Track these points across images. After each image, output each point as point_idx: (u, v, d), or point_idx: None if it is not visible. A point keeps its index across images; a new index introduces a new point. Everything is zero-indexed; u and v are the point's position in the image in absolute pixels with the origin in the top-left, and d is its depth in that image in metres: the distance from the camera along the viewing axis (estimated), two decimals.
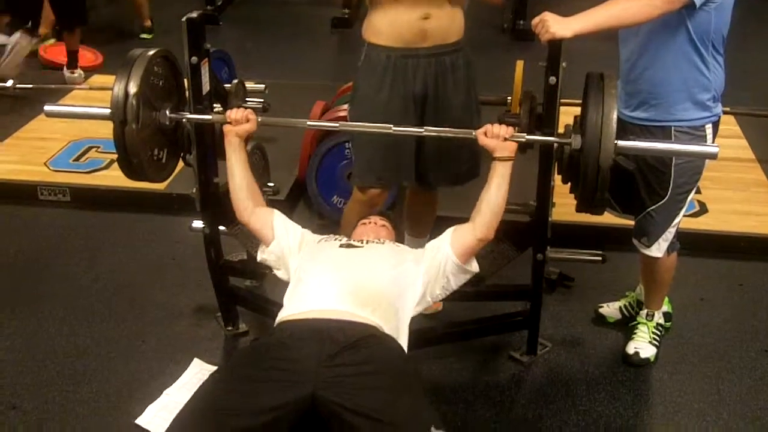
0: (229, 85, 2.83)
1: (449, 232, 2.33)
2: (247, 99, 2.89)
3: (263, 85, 3.21)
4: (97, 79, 5.13)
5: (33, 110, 4.55)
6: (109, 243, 3.44)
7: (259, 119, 2.40)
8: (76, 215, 3.67)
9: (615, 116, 2.13)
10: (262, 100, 3.35)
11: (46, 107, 2.44)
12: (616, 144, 2.14)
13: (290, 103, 4.06)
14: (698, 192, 3.56)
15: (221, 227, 2.67)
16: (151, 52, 2.32)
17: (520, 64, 3.94)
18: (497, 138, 2.24)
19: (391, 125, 2.39)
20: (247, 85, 3.20)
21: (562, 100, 2.32)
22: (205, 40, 2.45)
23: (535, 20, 2.25)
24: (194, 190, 2.60)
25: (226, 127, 2.38)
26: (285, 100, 3.95)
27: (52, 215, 3.67)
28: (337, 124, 2.52)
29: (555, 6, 2.38)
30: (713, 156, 2.21)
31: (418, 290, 2.27)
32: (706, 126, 2.45)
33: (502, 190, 2.26)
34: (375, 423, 1.81)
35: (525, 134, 2.28)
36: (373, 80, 2.60)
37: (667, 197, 2.51)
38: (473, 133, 2.29)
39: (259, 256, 2.42)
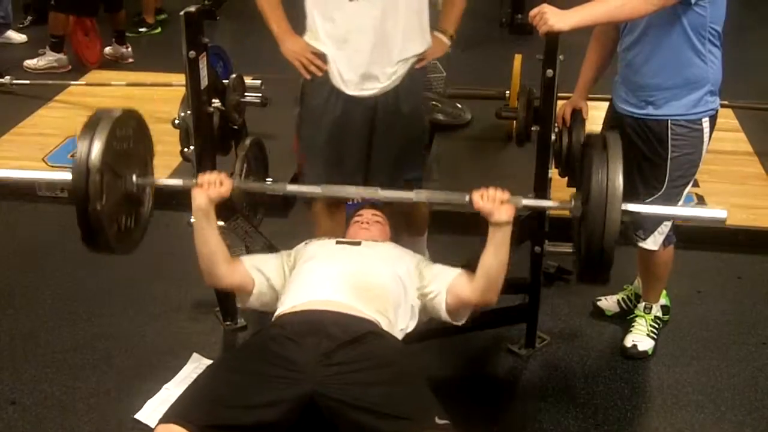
0: (227, 80, 2.83)
1: (454, 274, 2.23)
2: (245, 93, 2.89)
3: (259, 81, 3.22)
4: (94, 75, 5.13)
5: (30, 106, 4.55)
6: None
7: (235, 184, 2.25)
8: (74, 211, 3.65)
9: (621, 181, 1.95)
10: (260, 94, 3.35)
11: None
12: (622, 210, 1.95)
13: (289, 98, 4.04)
14: (696, 185, 3.58)
15: (219, 222, 2.66)
16: (116, 115, 2.09)
17: (518, 58, 3.94)
18: (493, 201, 2.11)
19: (378, 188, 2.29)
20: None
21: (559, 94, 2.32)
22: (203, 34, 2.45)
23: (534, 11, 2.25)
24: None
25: (196, 190, 2.17)
26: (284, 95, 3.93)
27: (50, 211, 3.66)
28: (319, 189, 2.36)
29: None
30: (721, 222, 2.09)
31: (411, 303, 2.22)
32: (703, 120, 2.45)
33: (499, 257, 2.12)
34: (379, 417, 1.81)
35: (522, 198, 2.17)
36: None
37: (663, 190, 2.51)
38: (466, 197, 2.14)
39: (242, 306, 2.34)
